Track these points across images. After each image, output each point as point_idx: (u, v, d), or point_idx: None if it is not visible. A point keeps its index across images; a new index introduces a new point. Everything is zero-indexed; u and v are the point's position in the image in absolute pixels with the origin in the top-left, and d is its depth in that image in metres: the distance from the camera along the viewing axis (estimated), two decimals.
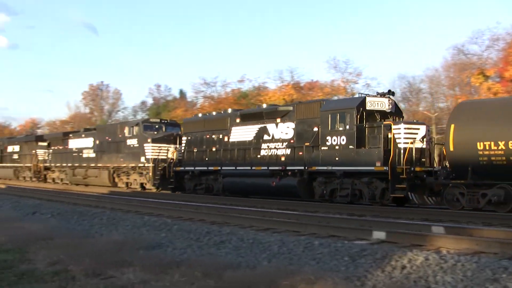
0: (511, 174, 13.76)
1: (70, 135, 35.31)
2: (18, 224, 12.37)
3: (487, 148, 14.11)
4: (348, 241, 8.86)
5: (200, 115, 25.63)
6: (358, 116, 16.76)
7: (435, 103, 46.22)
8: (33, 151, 38.35)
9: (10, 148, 43.81)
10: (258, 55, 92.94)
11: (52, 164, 36.34)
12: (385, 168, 15.70)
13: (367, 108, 16.99)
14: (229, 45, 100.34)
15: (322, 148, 17.60)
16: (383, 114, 17.29)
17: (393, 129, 16.10)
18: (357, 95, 19.56)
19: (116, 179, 28.83)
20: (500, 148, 13.91)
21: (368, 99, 17.25)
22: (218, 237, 9.74)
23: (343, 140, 17.02)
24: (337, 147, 17.19)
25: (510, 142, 13.73)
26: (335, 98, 36.23)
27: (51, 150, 36.86)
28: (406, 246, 8.29)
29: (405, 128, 16.18)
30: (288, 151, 19.06)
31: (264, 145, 20.04)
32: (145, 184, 26.43)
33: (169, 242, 9.52)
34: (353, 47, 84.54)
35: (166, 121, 28.83)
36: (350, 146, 16.82)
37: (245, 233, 9.99)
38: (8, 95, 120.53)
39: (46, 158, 37.33)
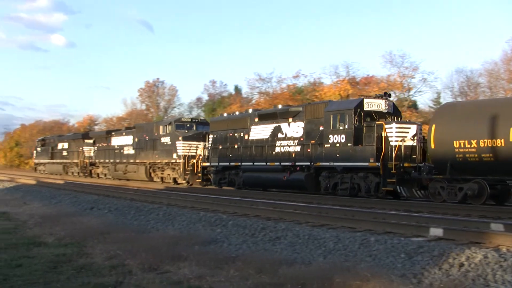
0: (484, 170, 16.71)
1: (113, 133, 40.71)
2: (76, 219, 13.51)
3: (462, 146, 17.07)
4: (405, 238, 9.18)
5: (225, 114, 29.83)
6: (356, 117, 20.10)
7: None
8: (80, 148, 44.34)
9: (60, 146, 50.34)
10: (314, 50, 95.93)
11: (97, 160, 42.02)
12: (377, 164, 18.95)
13: (364, 109, 20.25)
14: (284, 40, 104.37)
15: (326, 145, 21.05)
16: (381, 115, 20.49)
17: (386, 128, 19.29)
18: (353, 97, 22.88)
19: (152, 174, 33.67)
20: (472, 146, 16.85)
21: (365, 100, 20.52)
22: (274, 233, 10.36)
23: (342, 138, 20.44)
24: (337, 145, 20.60)
25: (481, 140, 16.66)
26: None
27: (95, 147, 42.65)
28: (464, 244, 8.56)
29: (396, 128, 19.30)
30: (298, 148, 22.65)
31: (278, 143, 23.71)
32: (177, 178, 30.92)
33: (224, 238, 10.22)
34: (409, 41, 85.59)
35: (197, 120, 33.32)
36: (348, 144, 20.19)
37: (301, 229, 10.50)
38: (66, 93, 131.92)
39: (92, 154, 43.18)
